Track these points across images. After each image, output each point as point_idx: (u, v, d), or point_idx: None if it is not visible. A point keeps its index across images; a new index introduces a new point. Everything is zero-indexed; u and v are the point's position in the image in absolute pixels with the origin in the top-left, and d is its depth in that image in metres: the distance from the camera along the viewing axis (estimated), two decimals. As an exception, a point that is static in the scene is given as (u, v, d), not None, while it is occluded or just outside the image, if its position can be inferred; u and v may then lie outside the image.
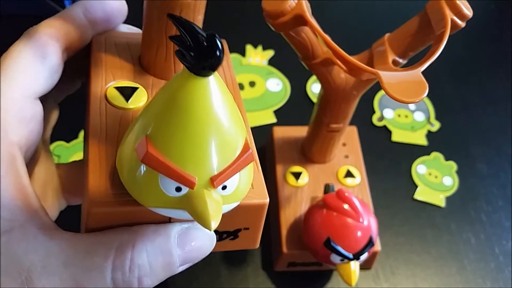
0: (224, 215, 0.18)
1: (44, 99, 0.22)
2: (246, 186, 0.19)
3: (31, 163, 0.23)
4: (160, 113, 0.16)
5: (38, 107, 0.21)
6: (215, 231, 0.20)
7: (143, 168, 0.16)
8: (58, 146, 0.41)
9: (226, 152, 0.16)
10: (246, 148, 0.17)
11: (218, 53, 0.14)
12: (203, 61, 0.14)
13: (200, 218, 0.16)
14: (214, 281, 0.36)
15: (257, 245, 0.22)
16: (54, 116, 0.27)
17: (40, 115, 0.21)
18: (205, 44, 0.14)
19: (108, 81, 0.22)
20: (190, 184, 0.16)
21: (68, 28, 0.22)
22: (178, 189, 0.16)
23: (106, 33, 0.24)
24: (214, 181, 0.16)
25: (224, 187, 0.17)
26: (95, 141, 0.19)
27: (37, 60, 0.20)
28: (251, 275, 0.37)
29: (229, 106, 0.16)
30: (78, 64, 0.24)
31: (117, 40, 0.24)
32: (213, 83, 0.15)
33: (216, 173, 0.16)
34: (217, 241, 0.21)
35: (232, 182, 0.17)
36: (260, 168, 0.21)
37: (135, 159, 0.16)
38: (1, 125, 0.18)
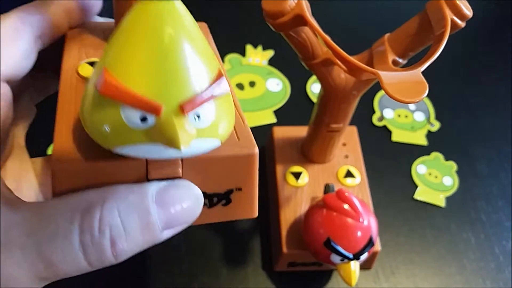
0: (210, 173, 0.17)
1: (18, 92, 0.21)
2: (226, 124, 0.16)
3: (2, 157, 0.23)
4: (119, 41, 0.15)
5: (6, 90, 0.20)
6: (204, 195, 0.18)
7: (104, 102, 0.15)
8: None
9: (195, 79, 0.15)
10: (219, 75, 0.15)
11: None
12: None
13: (168, 140, 0.14)
14: (214, 281, 0.36)
15: (256, 213, 0.20)
16: (29, 114, 0.26)
17: (8, 98, 0.20)
18: None
19: (81, 60, 0.21)
20: (155, 110, 0.14)
21: (42, 15, 0.21)
22: (144, 119, 0.14)
23: (82, 24, 0.24)
24: (183, 107, 0.14)
25: (197, 117, 0.15)
26: (64, 111, 0.18)
27: (6, 42, 0.20)
28: (251, 275, 0.37)
29: (196, 33, 0.15)
30: (54, 61, 0.23)
31: (92, 26, 0.24)
32: (178, 5, 0.14)
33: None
34: (208, 207, 0.19)
35: (206, 112, 0.15)
36: (247, 123, 0.19)
37: (96, 98, 0.15)
38: None
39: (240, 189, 0.19)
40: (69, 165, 0.16)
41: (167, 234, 0.17)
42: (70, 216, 0.15)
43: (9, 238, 0.15)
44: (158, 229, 0.17)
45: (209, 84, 0.15)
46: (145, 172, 0.17)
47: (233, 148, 0.18)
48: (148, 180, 0.17)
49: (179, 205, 0.17)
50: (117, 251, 0.16)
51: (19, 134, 0.26)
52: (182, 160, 0.17)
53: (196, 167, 0.17)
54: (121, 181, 0.17)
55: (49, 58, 0.23)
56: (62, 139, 0.17)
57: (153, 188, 0.17)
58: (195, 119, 0.15)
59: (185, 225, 0.18)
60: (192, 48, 0.15)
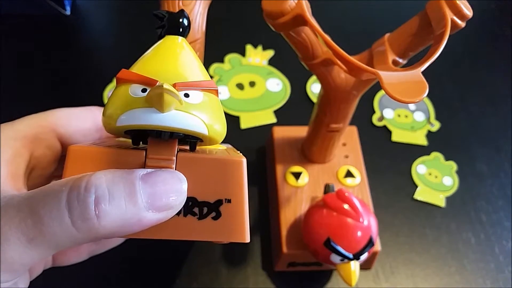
0: (200, 175, 0.19)
1: None
2: (213, 116, 0.19)
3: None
4: (143, 56, 0.20)
5: (56, 144, 0.24)
6: (195, 203, 0.20)
7: (117, 92, 0.19)
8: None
9: (191, 76, 0.19)
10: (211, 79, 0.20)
11: (185, 22, 0.20)
12: (175, 25, 0.20)
13: (156, 99, 0.17)
14: (214, 281, 0.36)
15: (246, 237, 0.20)
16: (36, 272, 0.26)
17: (54, 151, 0.23)
18: (176, 16, 0.20)
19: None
20: (152, 82, 0.18)
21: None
22: (144, 90, 0.18)
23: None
24: (175, 84, 0.18)
25: (186, 95, 0.18)
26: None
27: (76, 117, 0.24)
28: (251, 275, 0.37)
29: (195, 57, 0.20)
30: None
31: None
32: (184, 42, 0.20)
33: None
34: (198, 219, 0.20)
35: (194, 95, 0.19)
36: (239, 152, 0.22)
37: (113, 93, 0.19)
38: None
39: (229, 201, 0.20)
40: (80, 147, 0.19)
41: (152, 216, 0.18)
42: (64, 183, 0.17)
43: (10, 202, 0.17)
44: (142, 203, 0.18)
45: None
46: (143, 165, 0.19)
47: (223, 156, 0.20)
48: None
49: (162, 184, 0.18)
50: (99, 209, 0.17)
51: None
52: (176, 157, 0.19)
53: (188, 165, 0.19)
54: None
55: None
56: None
57: (141, 171, 0.18)
58: (184, 96, 0.18)
59: (170, 210, 0.18)
60: (191, 60, 0.20)
